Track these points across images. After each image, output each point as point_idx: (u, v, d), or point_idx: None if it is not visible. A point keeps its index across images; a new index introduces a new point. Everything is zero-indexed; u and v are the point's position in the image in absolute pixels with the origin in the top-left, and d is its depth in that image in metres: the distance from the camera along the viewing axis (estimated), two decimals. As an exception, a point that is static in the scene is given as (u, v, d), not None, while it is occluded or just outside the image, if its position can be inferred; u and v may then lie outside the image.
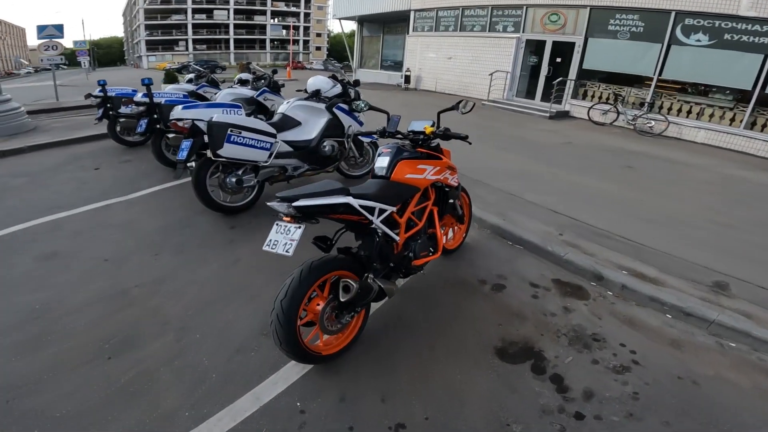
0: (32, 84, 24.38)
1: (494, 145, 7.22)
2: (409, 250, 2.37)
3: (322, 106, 4.09)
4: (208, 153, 3.35)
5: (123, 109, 5.78)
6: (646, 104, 9.99)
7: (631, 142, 8.56)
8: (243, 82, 6.30)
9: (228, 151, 3.35)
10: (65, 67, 48.54)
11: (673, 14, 9.42)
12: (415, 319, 2.58)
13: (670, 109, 10.00)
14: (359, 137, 4.54)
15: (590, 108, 10.83)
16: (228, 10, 60.11)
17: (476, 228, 3.87)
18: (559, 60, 11.96)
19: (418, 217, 2.46)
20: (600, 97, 11.13)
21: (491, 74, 12.66)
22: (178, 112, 3.38)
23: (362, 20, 20.01)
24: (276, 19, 64.27)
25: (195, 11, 58.31)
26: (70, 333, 2.33)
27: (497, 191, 4.70)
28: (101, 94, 6.12)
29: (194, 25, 58.98)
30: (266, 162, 3.65)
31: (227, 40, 61.52)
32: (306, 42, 69.75)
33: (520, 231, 3.68)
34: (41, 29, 11.45)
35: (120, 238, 3.48)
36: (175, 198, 4.38)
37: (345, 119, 4.24)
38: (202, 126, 3.41)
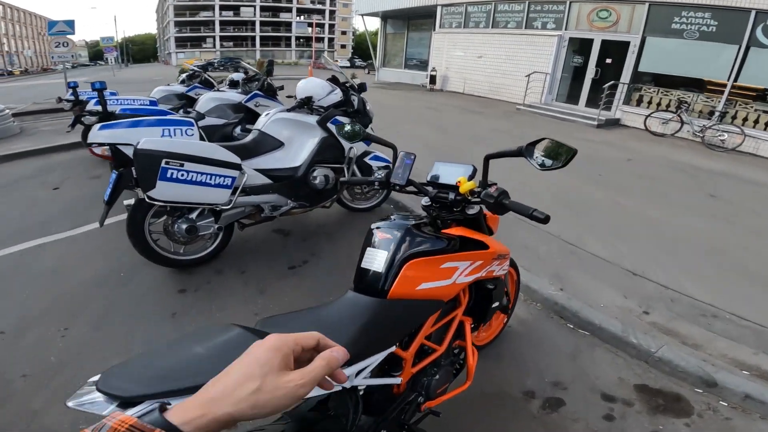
0: (55, 81, 24.54)
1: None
2: (417, 389, 1.33)
3: (314, 119, 3.04)
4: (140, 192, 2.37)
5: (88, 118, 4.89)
6: (717, 113, 8.52)
7: (704, 159, 7.17)
8: (234, 84, 5.36)
9: (164, 192, 2.38)
10: (100, 63, 49.87)
11: (753, 13, 8.05)
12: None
13: (745, 119, 8.51)
14: (366, 160, 3.50)
15: (648, 116, 9.43)
16: (254, 7, 60.78)
17: (522, 299, 2.75)
18: (609, 61, 10.60)
19: (438, 340, 1.40)
20: (659, 104, 9.70)
21: (528, 75, 11.40)
22: (94, 133, 2.38)
23: (386, 16, 19.12)
24: (302, 17, 64.33)
25: (222, 8, 59.26)
26: None
27: (547, 236, 3.55)
28: (72, 97, 5.26)
29: (221, 22, 60.02)
30: (227, 203, 2.66)
31: (253, 38, 62.23)
32: (331, 40, 69.51)
33: (586, 310, 2.55)
34: (51, 25, 10.93)
35: (33, 297, 2.60)
36: (125, 237, 3.43)
37: (345, 138, 3.19)
38: (128, 152, 2.43)
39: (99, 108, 3.88)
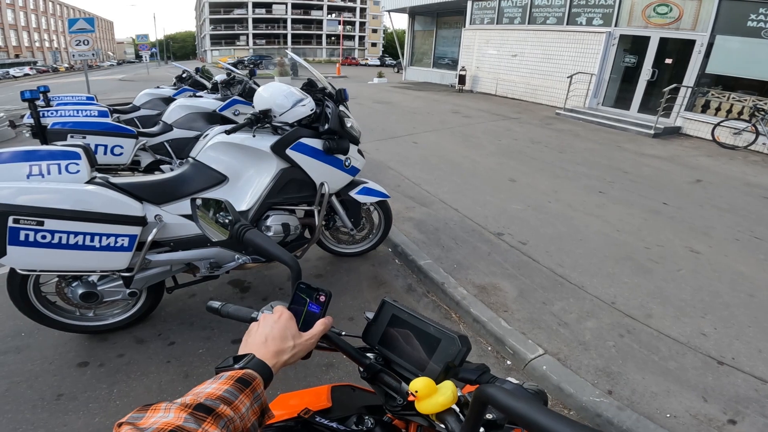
0: (94, 78, 25.23)
1: (577, 180, 4.98)
2: None
3: (267, 144, 2.21)
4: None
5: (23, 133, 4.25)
6: (806, 124, 7.14)
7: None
8: (216, 87, 4.65)
9: (21, 260, 1.67)
10: (139, 60, 51.60)
11: None
12: None
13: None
14: (353, 195, 2.65)
15: (717, 125, 8.11)
16: (286, 4, 61.94)
17: (550, 403, 1.81)
18: (668, 61, 9.31)
19: None
20: (729, 111, 8.34)
21: (570, 77, 10.25)
22: None
23: (414, 12, 18.37)
24: (332, 14, 64.60)
25: (255, 5, 60.80)
26: None
27: (595, 305, 2.57)
28: (43, 103, 4.68)
29: (254, 20, 61.60)
30: (128, 268, 1.89)
31: (285, 35, 63.47)
32: (361, 38, 69.44)
33: (646, 427, 1.62)
34: (72, 23, 10.81)
35: None
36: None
37: (314, 168, 2.34)
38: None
39: (32, 121, 3.23)
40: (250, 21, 61.33)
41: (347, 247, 3.04)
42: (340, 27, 48.61)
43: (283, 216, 2.27)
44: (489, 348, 2.27)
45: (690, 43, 8.76)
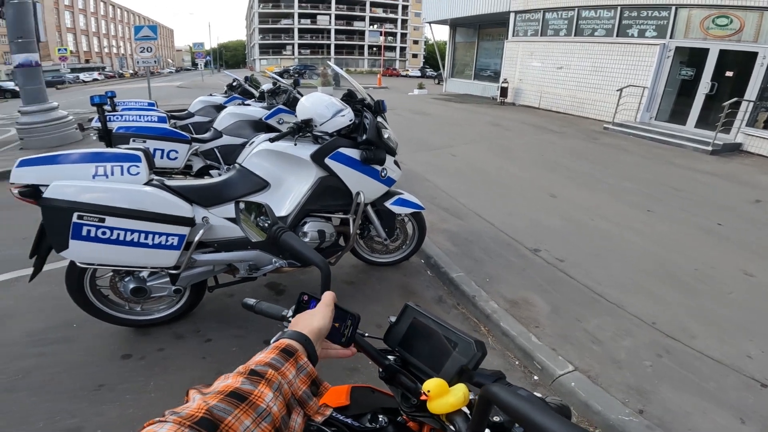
0: (155, 84, 27.12)
1: (622, 197, 4.86)
2: None
3: (307, 152, 2.38)
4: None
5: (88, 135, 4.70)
6: None
7: None
8: (263, 96, 4.96)
9: (80, 253, 1.90)
10: (196, 68, 55.36)
11: None
12: None
13: None
14: (388, 205, 2.77)
15: (783, 143, 7.65)
16: (330, 15, 64.76)
17: (575, 419, 1.83)
18: (729, 74, 8.91)
19: None
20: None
21: (620, 90, 10.00)
22: (13, 172, 1.94)
23: (455, 24, 18.62)
24: (374, 26, 66.38)
25: (301, 16, 64.18)
26: None
27: (632, 322, 2.53)
28: (109, 108, 5.19)
29: (300, 30, 64.99)
30: (175, 266, 2.08)
31: (329, 46, 66.31)
32: (403, 49, 70.73)
33: None
34: (137, 30, 11.55)
35: None
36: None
37: (351, 177, 2.49)
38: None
39: (99, 125, 3.61)
40: (295, 31, 64.55)
41: (380, 257, 3.15)
42: (382, 38, 49.79)
43: (320, 223, 2.43)
44: (516, 362, 2.29)
45: (752, 56, 8.36)
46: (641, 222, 4.25)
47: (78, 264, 1.97)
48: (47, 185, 1.85)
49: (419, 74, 44.73)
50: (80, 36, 52.57)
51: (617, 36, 11.10)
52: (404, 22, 69.62)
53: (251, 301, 0.89)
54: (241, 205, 1.00)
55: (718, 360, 2.20)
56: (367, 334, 0.80)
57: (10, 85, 22.67)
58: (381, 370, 0.77)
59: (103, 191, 1.86)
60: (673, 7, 9.75)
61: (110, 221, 1.85)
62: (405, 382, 0.72)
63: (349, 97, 2.74)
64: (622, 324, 2.49)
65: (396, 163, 2.78)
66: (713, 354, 2.25)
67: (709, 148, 7.94)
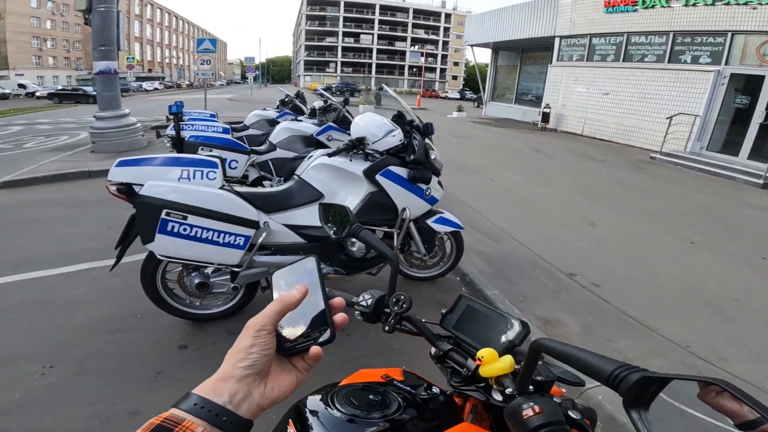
0: (208, 96, 28.90)
1: (665, 227, 4.84)
2: None
3: (360, 168, 2.65)
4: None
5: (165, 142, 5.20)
6: None
7: None
8: (314, 113, 5.35)
9: (163, 246, 2.21)
10: (244, 81, 58.69)
11: None
12: None
13: None
14: (430, 223, 2.99)
15: None
16: (372, 35, 67.46)
17: (599, 430, 1.94)
18: (788, 102, 8.66)
19: None
20: None
21: (670, 118, 9.86)
22: (112, 169, 2.32)
23: (497, 47, 18.91)
24: (416, 46, 68.03)
25: (345, 34, 67.37)
26: None
27: (665, 347, 2.61)
28: (172, 116, 5.77)
29: (343, 48, 68.18)
30: (238, 264, 2.38)
31: (370, 65, 68.90)
32: (442, 70, 71.85)
33: None
34: (199, 42, 12.51)
35: (41, 327, 2.68)
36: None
37: (398, 194, 2.75)
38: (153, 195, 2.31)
39: (173, 133, 4.06)
40: (339, 49, 67.73)
41: (418, 272, 3.36)
42: (422, 59, 50.91)
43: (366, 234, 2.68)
44: (548, 378, 2.41)
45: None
46: (683, 252, 4.25)
47: (158, 256, 2.30)
48: (139, 184, 2.20)
49: (458, 96, 45.21)
50: (145, 45, 56.69)
51: (669, 62, 11.03)
52: (445, 43, 70.99)
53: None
54: (323, 205, 1.13)
55: (747, 381, 2.26)
56: (424, 320, 0.94)
57: (90, 90, 24.46)
58: (433, 351, 0.91)
59: (188, 192, 2.20)
60: (729, 34, 9.65)
61: (191, 219, 2.18)
62: (457, 358, 0.85)
63: (399, 119, 3.02)
64: (654, 345, 2.58)
65: (440, 183, 3.01)
66: (743, 375, 2.31)
67: (761, 181, 7.68)
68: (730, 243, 4.61)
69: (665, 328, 2.79)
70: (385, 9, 67.70)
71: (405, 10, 68.64)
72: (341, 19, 66.14)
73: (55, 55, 47.06)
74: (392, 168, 2.71)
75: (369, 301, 0.97)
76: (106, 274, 3.37)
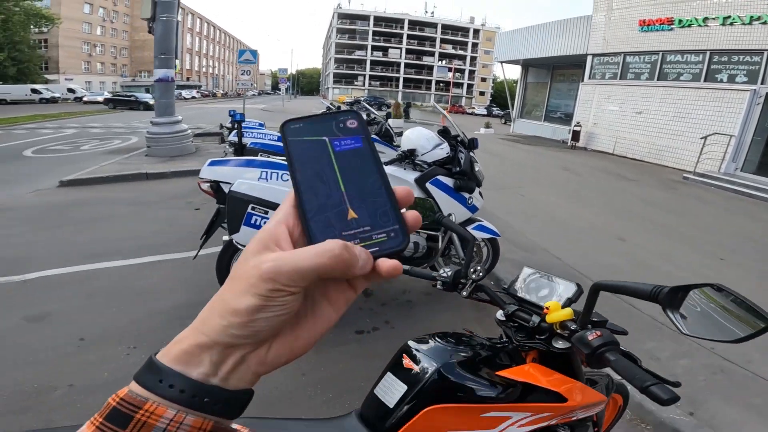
0: (241, 106, 30.17)
1: (694, 244, 4.97)
2: None
3: (412, 176, 2.99)
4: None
5: (226, 148, 5.69)
6: None
7: None
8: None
9: (246, 238, 2.57)
10: (278, 92, 60.67)
11: None
12: None
13: None
14: (470, 229, 3.29)
15: None
16: (401, 49, 68.89)
17: (627, 419, 2.24)
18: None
19: None
20: None
21: (704, 138, 9.88)
22: (204, 168, 2.72)
23: (527, 64, 19.15)
24: (443, 61, 68.78)
25: (373, 48, 69.18)
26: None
27: (695, 350, 2.80)
28: (230, 125, 6.29)
29: (371, 62, 69.85)
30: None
31: (397, 79, 70.31)
32: (470, 86, 72.29)
33: None
34: (241, 53, 13.16)
35: (123, 311, 3.05)
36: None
37: (444, 201, 3.07)
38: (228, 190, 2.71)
39: (236, 139, 4.51)
40: (368, 63, 69.45)
41: (456, 274, 3.65)
42: (450, 74, 51.44)
43: (415, 236, 3.00)
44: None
45: None
46: (710, 268, 4.40)
47: (240, 246, 2.67)
48: (225, 182, 2.60)
49: (485, 112, 45.40)
50: (185, 54, 59.16)
51: (705, 81, 11.05)
52: (473, 59, 71.53)
53: (405, 267, 1.42)
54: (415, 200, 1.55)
55: (766, 378, 2.44)
56: (492, 283, 1.33)
57: (147, 96, 25.85)
58: (500, 313, 1.19)
59: (270, 190, 2.58)
60: (765, 53, 9.69)
61: (271, 214, 2.55)
62: (523, 315, 1.10)
63: (444, 133, 3.36)
64: (682, 348, 2.78)
65: (480, 193, 3.32)
66: (766, 375, 2.49)
67: (800, 204, 7.65)
68: (760, 261, 4.71)
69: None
70: (413, 24, 69.04)
71: (433, 25, 69.76)
72: (370, 33, 67.83)
73: (102, 61, 49.40)
74: (440, 177, 3.04)
75: (449, 273, 1.30)
76: (177, 265, 3.81)
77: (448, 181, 3.07)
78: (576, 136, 14.46)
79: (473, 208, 3.25)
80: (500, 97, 62.43)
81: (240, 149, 4.40)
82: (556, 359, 1.15)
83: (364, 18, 68.14)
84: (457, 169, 3.06)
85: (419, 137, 3.13)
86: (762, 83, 9.78)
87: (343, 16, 68.31)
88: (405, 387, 0.99)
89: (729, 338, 0.81)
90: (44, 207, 5.26)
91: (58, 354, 2.52)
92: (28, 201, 5.53)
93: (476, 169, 3.15)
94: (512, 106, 20.72)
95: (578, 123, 14.59)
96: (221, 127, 6.63)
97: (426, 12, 73.84)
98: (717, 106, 10.58)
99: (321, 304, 0.33)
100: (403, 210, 0.35)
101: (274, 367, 0.32)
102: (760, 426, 2.10)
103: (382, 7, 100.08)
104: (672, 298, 0.85)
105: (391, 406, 0.97)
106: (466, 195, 3.15)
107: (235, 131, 4.56)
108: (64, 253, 3.90)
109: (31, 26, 29.36)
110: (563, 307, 1.04)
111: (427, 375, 0.99)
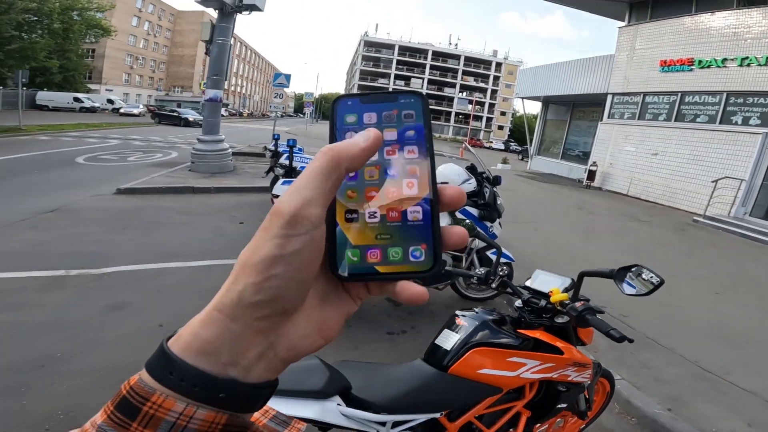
0: (268, 128, 31.00)
1: (695, 280, 5.42)
2: None
3: (442, 207, 3.59)
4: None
5: (277, 169, 6.36)
6: None
7: None
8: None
9: None
10: (300, 115, 61.56)
11: None
12: None
13: None
14: (488, 253, 3.84)
15: None
16: (423, 79, 70.87)
17: (615, 412, 2.71)
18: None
19: (489, 423, 1.66)
20: None
21: (715, 181, 10.25)
22: (278, 186, 3.34)
23: (548, 101, 19.69)
24: (464, 93, 70.27)
25: (396, 77, 71.20)
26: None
27: (679, 361, 3.29)
28: (273, 148, 7.00)
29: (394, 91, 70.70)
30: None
31: None
32: (489, 119, 73.33)
33: None
34: (276, 77, 14.09)
35: (194, 304, 3.50)
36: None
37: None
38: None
39: (287, 162, 5.16)
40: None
41: (473, 293, 4.17)
42: (471, 107, 52.34)
43: (444, 255, 3.56)
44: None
45: None
46: (706, 299, 4.87)
47: None
48: None
49: (503, 147, 45.89)
50: None
51: (720, 123, 11.20)
52: (494, 92, 72.91)
53: (449, 268, 2.00)
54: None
55: (744, 388, 2.93)
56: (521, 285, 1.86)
57: (190, 113, 27.09)
58: (518, 301, 1.78)
59: None
60: None
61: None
62: (534, 299, 1.72)
63: (471, 170, 3.95)
64: (671, 359, 3.28)
65: (500, 224, 3.88)
66: (742, 384, 2.98)
67: (805, 251, 7.94)
68: (756, 297, 5.16)
69: (682, 348, 3.48)
70: (437, 54, 71.21)
71: (456, 57, 71.79)
72: (394, 62, 70.13)
73: (141, 74, 51.56)
74: (467, 207, 3.62)
75: (482, 271, 1.88)
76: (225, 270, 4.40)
77: (474, 211, 3.65)
78: (591, 175, 14.76)
79: (493, 236, 3.81)
80: (518, 132, 63.26)
81: (290, 171, 5.05)
82: (557, 333, 1.71)
83: (389, 47, 70.72)
84: (482, 201, 3.65)
85: (451, 172, 3.73)
86: (773, 127, 10.02)
87: (369, 44, 70.98)
88: (457, 336, 1.55)
89: (640, 293, 1.46)
90: (109, 211, 5.99)
91: (141, 337, 2.99)
92: (93, 205, 6.27)
93: (498, 202, 3.73)
94: (530, 142, 21.02)
95: (594, 162, 14.93)
96: (265, 149, 7.35)
97: (450, 44, 76.14)
98: (730, 149, 10.81)
99: (340, 292, 0.32)
100: (445, 223, 0.32)
101: (302, 352, 0.30)
102: (734, 420, 2.57)
103: (407, 36, 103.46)
104: (619, 275, 1.55)
105: (449, 349, 1.53)
106: (488, 224, 3.71)
107: (286, 155, 5.23)
108: (134, 252, 4.55)
109: (90, 37, 30.33)
110: (562, 292, 1.65)
111: (473, 328, 1.55)
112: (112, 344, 2.91)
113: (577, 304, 1.59)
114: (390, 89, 0.40)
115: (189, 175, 8.65)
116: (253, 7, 8.82)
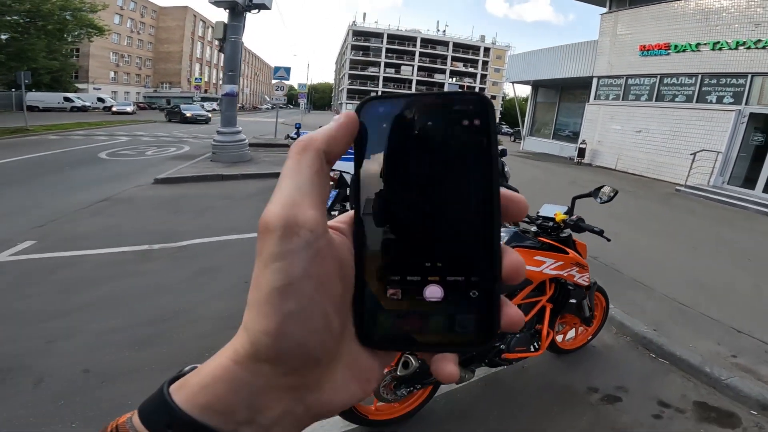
0: (267, 120, 30.87)
1: (675, 241, 6.36)
2: (502, 341, 2.39)
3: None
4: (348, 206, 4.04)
5: None
6: None
7: None
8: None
9: None
10: (290, 106, 61.78)
11: None
12: (485, 416, 2.54)
13: None
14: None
15: None
16: (413, 67, 71.36)
17: (613, 332, 3.58)
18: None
19: (525, 311, 2.50)
20: None
21: (693, 154, 11.26)
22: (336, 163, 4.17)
23: (537, 85, 20.48)
24: (454, 79, 70.85)
25: (386, 65, 71.59)
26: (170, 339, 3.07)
27: (661, 298, 4.18)
28: (295, 136, 7.81)
29: (384, 78, 72.37)
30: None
31: None
32: (479, 103, 73.97)
33: (673, 346, 3.25)
34: (276, 70, 14.83)
35: (231, 274, 4.20)
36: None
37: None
38: (347, 178, 4.15)
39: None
40: (380, 79, 72.08)
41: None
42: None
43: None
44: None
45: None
46: (685, 254, 5.77)
47: None
48: (348, 172, 4.05)
49: (495, 130, 46.41)
50: (204, 67, 61.37)
51: (696, 102, 12.24)
52: (483, 76, 73.65)
53: None
54: None
55: (711, 317, 3.77)
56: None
57: (194, 108, 27.56)
58: (535, 226, 2.68)
59: None
60: (749, 75, 10.92)
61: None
62: (545, 223, 2.63)
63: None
64: (652, 295, 4.16)
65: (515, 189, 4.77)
66: (711, 314, 3.82)
67: (773, 212, 8.95)
68: (727, 253, 6.09)
69: (665, 291, 4.33)
70: (425, 42, 71.62)
71: (445, 44, 72.29)
72: (383, 50, 70.39)
73: (128, 72, 51.66)
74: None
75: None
76: (236, 244, 5.08)
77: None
78: (582, 153, 15.67)
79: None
80: (509, 114, 63.87)
81: None
82: (562, 244, 2.60)
83: (378, 35, 70.87)
84: None
85: None
86: (746, 104, 11.02)
87: (358, 33, 71.05)
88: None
89: (605, 201, 2.32)
90: (156, 198, 6.77)
91: (234, 291, 3.67)
92: (139, 194, 7.03)
93: (506, 169, 4.62)
94: (522, 124, 21.85)
95: (584, 141, 15.82)
96: (287, 137, 8.12)
97: (438, 30, 76.49)
98: (707, 125, 11.77)
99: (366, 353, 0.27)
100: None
101: (338, 407, 0.26)
102: (705, 341, 3.39)
103: (395, 24, 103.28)
104: (594, 192, 2.56)
105: None
106: (499, 188, 4.61)
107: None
108: (197, 229, 5.33)
109: (85, 37, 30.14)
110: (563, 213, 2.52)
111: (508, 236, 2.44)
112: (215, 297, 3.61)
113: (573, 217, 2.50)
114: (444, 89, 0.60)
115: (212, 165, 9.42)
116: (262, 6, 9.51)
